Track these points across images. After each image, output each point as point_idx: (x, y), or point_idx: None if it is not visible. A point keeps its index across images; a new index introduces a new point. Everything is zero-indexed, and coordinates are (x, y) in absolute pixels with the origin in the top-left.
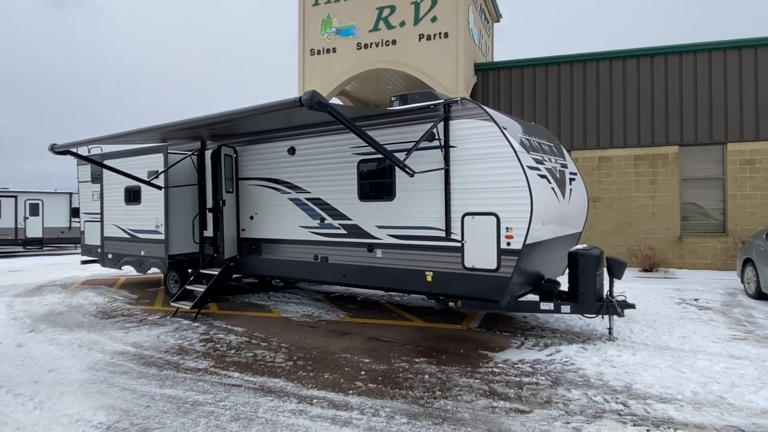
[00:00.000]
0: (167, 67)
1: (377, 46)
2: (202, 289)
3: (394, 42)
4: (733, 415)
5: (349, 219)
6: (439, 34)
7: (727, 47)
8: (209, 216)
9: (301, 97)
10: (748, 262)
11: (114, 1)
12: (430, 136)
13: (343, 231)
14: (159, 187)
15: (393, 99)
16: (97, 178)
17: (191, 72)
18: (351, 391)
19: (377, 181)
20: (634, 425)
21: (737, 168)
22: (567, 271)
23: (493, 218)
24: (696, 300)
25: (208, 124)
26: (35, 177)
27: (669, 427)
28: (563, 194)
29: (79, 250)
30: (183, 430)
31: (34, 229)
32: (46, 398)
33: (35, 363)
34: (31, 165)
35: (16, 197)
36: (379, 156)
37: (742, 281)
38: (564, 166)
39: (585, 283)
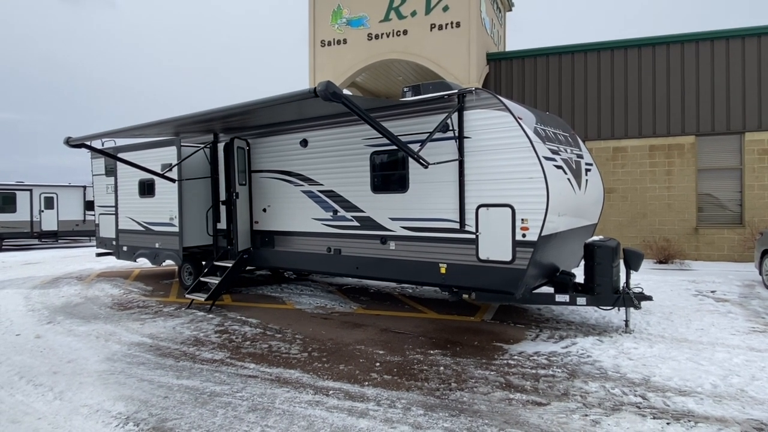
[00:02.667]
0: (179, 60)
1: (388, 36)
2: (217, 281)
3: (405, 32)
4: (755, 409)
5: (362, 211)
6: (451, 23)
7: (746, 35)
8: (222, 208)
9: (315, 87)
10: (766, 253)
11: None
12: (444, 126)
13: (356, 223)
14: (173, 180)
15: (405, 90)
16: (111, 172)
17: (203, 65)
18: (366, 383)
19: (390, 173)
20: (654, 418)
21: (755, 158)
22: (582, 262)
23: (508, 210)
24: (713, 292)
25: (221, 116)
26: (50, 171)
27: (689, 420)
28: (579, 185)
29: (94, 243)
30: (201, 421)
31: (49, 222)
32: (65, 388)
33: (54, 354)
34: (46, 159)
35: (31, 191)
36: (392, 147)
37: (760, 273)
38: (580, 156)
39: (601, 275)
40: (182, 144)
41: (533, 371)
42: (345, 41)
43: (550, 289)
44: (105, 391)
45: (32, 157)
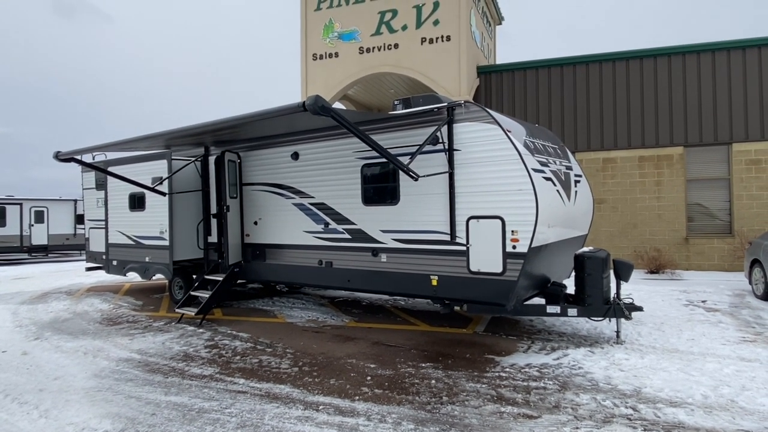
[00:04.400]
0: (174, 73)
1: (379, 50)
2: (207, 295)
3: (396, 46)
4: (745, 419)
5: (354, 223)
6: (442, 37)
7: (731, 47)
8: (213, 222)
9: (304, 101)
10: (755, 263)
11: (123, 9)
12: (433, 139)
13: (347, 236)
14: (163, 194)
15: (396, 103)
16: (101, 185)
17: (197, 78)
18: (357, 397)
19: (381, 185)
20: (645, 430)
21: (743, 168)
22: (573, 273)
23: (498, 221)
24: (703, 302)
25: (212, 130)
26: (42, 184)
27: None
28: (568, 196)
29: (84, 257)
30: None
31: (39, 236)
32: (51, 406)
33: (40, 371)
34: (38, 172)
35: (21, 204)
36: (383, 160)
37: (750, 282)
38: (569, 168)
39: (592, 285)
40: (173, 157)
41: (525, 383)
42: (337, 55)
43: (542, 301)
44: (92, 408)
45: (24, 170)
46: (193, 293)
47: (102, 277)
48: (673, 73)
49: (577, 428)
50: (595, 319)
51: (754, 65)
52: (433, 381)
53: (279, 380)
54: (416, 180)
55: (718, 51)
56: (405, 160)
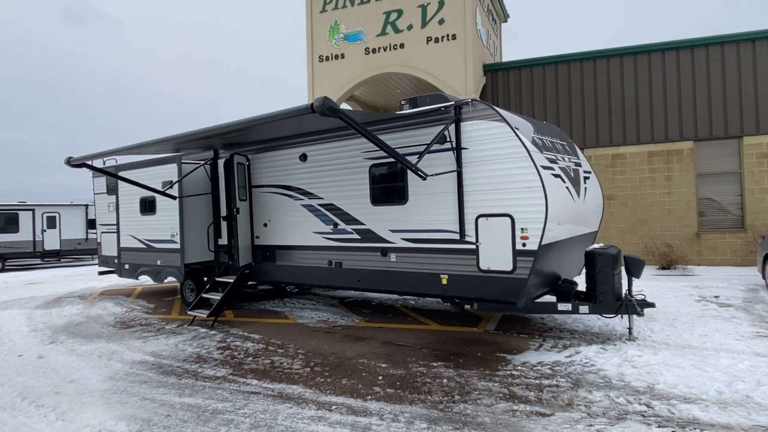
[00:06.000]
0: (183, 78)
1: (385, 50)
2: (218, 297)
3: (402, 46)
4: (761, 415)
5: (363, 224)
6: (447, 36)
7: (741, 40)
8: (223, 224)
9: (312, 103)
10: None
11: (133, 16)
12: (441, 138)
13: (356, 236)
14: (173, 197)
15: (403, 102)
16: (112, 190)
17: (206, 82)
18: (369, 397)
19: (389, 185)
20: (659, 426)
21: (754, 162)
22: (584, 270)
23: (508, 219)
24: (716, 297)
25: (220, 133)
26: (53, 190)
27: (695, 428)
28: (578, 193)
29: (96, 261)
30: None
31: (51, 241)
32: (67, 409)
33: (56, 374)
34: (50, 178)
35: (33, 210)
36: (391, 160)
37: (764, 277)
38: (578, 164)
39: (603, 282)
40: (183, 161)
41: (537, 381)
42: (343, 56)
43: (553, 298)
44: (107, 410)
45: (36, 176)
46: (204, 295)
47: (114, 280)
48: (681, 67)
49: (591, 425)
50: (607, 316)
51: (764, 57)
52: (445, 380)
53: (291, 381)
54: (425, 179)
55: (727, 43)
56: (413, 159)
